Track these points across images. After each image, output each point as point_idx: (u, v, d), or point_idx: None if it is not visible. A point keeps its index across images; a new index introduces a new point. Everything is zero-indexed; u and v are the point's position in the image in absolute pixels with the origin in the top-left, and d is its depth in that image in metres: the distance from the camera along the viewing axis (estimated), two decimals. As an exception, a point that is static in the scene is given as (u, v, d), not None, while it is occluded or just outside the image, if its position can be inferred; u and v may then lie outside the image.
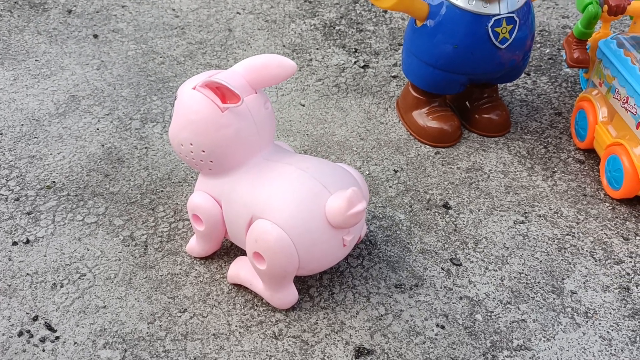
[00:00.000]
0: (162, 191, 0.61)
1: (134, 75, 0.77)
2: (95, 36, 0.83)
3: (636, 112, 0.56)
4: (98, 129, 0.68)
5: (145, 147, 0.66)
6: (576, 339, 0.49)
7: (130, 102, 0.72)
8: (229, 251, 0.55)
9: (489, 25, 0.58)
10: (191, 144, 0.47)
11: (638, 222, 0.58)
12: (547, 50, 0.83)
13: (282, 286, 0.48)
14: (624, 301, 0.51)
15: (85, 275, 0.53)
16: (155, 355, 0.47)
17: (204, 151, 0.47)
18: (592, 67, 0.68)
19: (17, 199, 0.60)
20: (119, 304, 0.51)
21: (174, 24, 0.86)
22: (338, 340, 0.48)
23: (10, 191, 0.61)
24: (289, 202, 0.45)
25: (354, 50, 0.82)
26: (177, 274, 0.53)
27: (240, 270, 0.50)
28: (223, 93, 0.46)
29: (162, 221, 0.58)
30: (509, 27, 0.59)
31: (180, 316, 0.50)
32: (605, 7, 0.62)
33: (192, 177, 0.63)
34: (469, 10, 0.58)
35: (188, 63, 0.79)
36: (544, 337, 0.48)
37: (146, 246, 0.55)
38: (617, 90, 0.60)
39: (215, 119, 0.46)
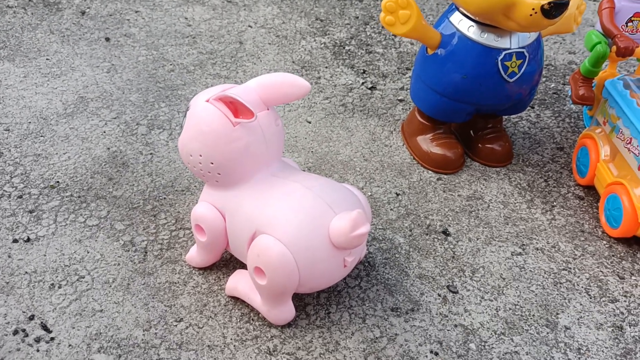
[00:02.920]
0: (164, 198, 0.61)
1: (143, 80, 0.77)
2: (107, 39, 0.84)
3: (639, 153, 0.57)
4: (105, 132, 0.69)
5: (151, 153, 0.66)
6: (567, 375, 0.49)
7: (138, 107, 0.73)
8: (227, 263, 0.55)
9: (499, 58, 0.59)
10: (200, 155, 0.47)
11: (634, 261, 0.59)
12: (552, 85, 0.84)
13: (280, 302, 0.48)
14: (616, 340, 0.52)
15: (83, 278, 0.53)
16: (148, 364, 0.47)
17: (212, 163, 0.47)
18: (597, 105, 0.70)
19: (20, 197, 0.60)
20: (116, 309, 0.51)
21: (186, 32, 0.87)
22: (332, 360, 0.48)
23: (14, 188, 0.61)
24: (293, 220, 0.46)
25: (362, 71, 0.83)
26: (175, 283, 0.53)
27: (238, 283, 0.51)
28: (236, 107, 0.47)
29: (163, 228, 0.58)
30: (518, 62, 0.60)
31: (176, 325, 0.50)
32: (614, 47, 0.63)
33: (195, 186, 0.63)
34: (481, 42, 0.60)
35: (198, 72, 0.79)
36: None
37: (146, 252, 0.55)
38: (621, 130, 0.61)
39: (227, 132, 0.46)
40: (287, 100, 0.48)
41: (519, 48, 0.60)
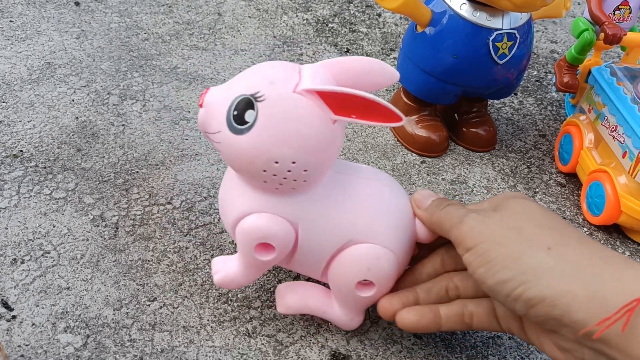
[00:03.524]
0: (137, 172, 0.58)
1: (115, 48, 0.73)
2: (77, 4, 0.79)
3: (624, 141, 0.57)
4: (73, 100, 0.65)
5: (123, 125, 0.63)
6: (547, 359, 0.48)
7: (109, 76, 0.69)
8: (205, 241, 0.52)
9: (491, 39, 0.58)
10: (293, 162, 0.36)
11: (614, 249, 0.59)
12: (535, 73, 0.84)
13: (365, 308, 0.45)
14: (597, 326, 0.51)
15: (49, 253, 0.49)
16: (119, 344, 0.44)
17: (306, 170, 0.37)
18: (580, 93, 0.69)
19: (-21, 165, 0.56)
20: (84, 287, 0.47)
21: (162, 0, 0.83)
22: (314, 343, 0.46)
23: (-28, 156, 0.56)
24: (394, 225, 0.42)
25: (345, 49, 0.81)
26: (149, 261, 0.50)
27: (307, 299, 0.45)
28: (332, 99, 0.37)
29: (136, 204, 0.55)
30: (509, 43, 0.59)
31: (149, 305, 0.47)
32: (602, 35, 0.63)
33: (170, 160, 0.60)
34: (473, 21, 0.58)
35: (174, 42, 0.76)
36: (519, 355, 0.48)
37: (117, 228, 0.52)
38: (606, 117, 0.60)
39: (328, 132, 0.37)
40: (371, 89, 0.40)
41: (511, 29, 0.59)
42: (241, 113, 0.36)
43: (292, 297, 0.45)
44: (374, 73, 0.40)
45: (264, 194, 0.39)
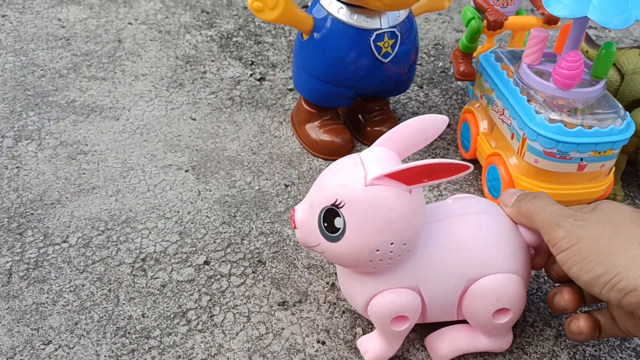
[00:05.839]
0: (32, 214, 0.57)
1: (9, 89, 0.71)
2: (-30, 47, 0.77)
3: (511, 123, 0.59)
4: (-36, 148, 0.63)
5: (17, 167, 0.61)
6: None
7: (3, 118, 0.67)
8: (102, 276, 0.52)
9: (371, 39, 0.59)
10: (392, 244, 0.39)
11: (517, 229, 0.60)
12: (440, 64, 0.85)
13: (510, 327, 0.46)
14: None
15: None
16: (10, 395, 0.43)
17: (405, 244, 0.40)
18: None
19: None
20: (-27, 340, 0.46)
21: (59, 34, 0.81)
22: (215, 365, 0.46)
23: None
24: (505, 248, 0.43)
25: (250, 62, 0.81)
26: (43, 304, 0.49)
27: (456, 343, 0.46)
28: (397, 174, 0.39)
29: (30, 246, 0.54)
30: (391, 42, 0.60)
31: (43, 349, 0.46)
32: (485, 22, 0.64)
33: (66, 197, 0.59)
34: (351, 24, 0.59)
35: (71, 76, 0.74)
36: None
37: (10, 274, 0.51)
38: (495, 102, 0.62)
39: (409, 204, 0.39)
40: (426, 143, 0.42)
41: (390, 28, 0.60)
42: (330, 223, 0.40)
43: (442, 346, 0.47)
44: (426, 128, 0.42)
45: (380, 273, 0.42)
